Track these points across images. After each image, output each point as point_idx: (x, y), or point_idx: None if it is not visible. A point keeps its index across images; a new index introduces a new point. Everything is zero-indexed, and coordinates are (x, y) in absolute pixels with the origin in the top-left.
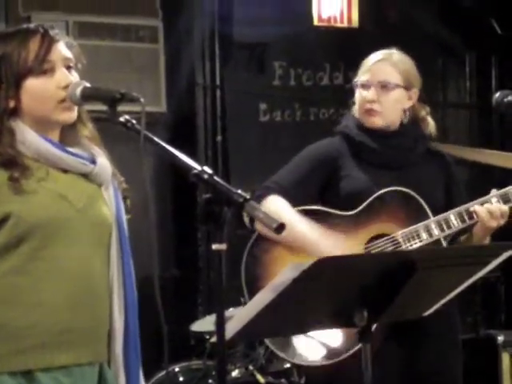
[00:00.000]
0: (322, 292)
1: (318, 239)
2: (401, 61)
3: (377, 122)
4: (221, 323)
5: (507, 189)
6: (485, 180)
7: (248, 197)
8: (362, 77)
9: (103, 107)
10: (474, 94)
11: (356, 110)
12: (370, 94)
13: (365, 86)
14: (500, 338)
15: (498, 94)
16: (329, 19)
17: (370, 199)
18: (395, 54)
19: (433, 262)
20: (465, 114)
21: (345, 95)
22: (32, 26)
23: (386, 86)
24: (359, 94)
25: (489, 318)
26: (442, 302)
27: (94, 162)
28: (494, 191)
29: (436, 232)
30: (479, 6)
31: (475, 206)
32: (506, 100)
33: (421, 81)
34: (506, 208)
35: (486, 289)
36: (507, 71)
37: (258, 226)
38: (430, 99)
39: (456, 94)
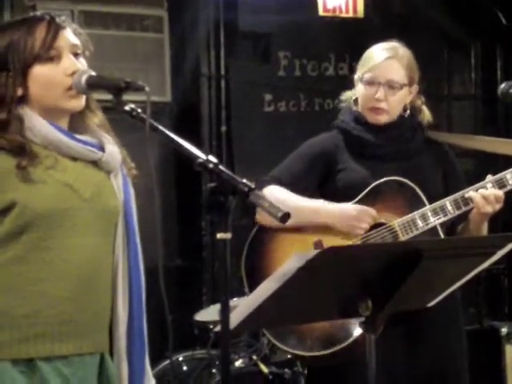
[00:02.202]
0: (326, 282)
1: (333, 209)
2: (405, 56)
3: (383, 119)
4: (225, 313)
5: (502, 174)
6: (489, 170)
7: (253, 186)
8: (368, 73)
9: (108, 96)
10: (479, 85)
11: (359, 104)
12: (379, 92)
13: (372, 84)
14: (503, 330)
15: (503, 85)
16: (334, 9)
17: (367, 189)
18: (400, 48)
19: (438, 253)
20: (470, 105)
21: (350, 86)
22: (38, 13)
23: (393, 86)
24: (365, 91)
25: (492, 309)
26: (446, 292)
27: (102, 149)
28: (489, 177)
29: (432, 219)
30: None
31: (470, 193)
32: (511, 91)
33: (419, 73)
34: (500, 193)
35: (490, 280)
36: None
37: (260, 217)
38: (435, 91)
39: (461, 85)
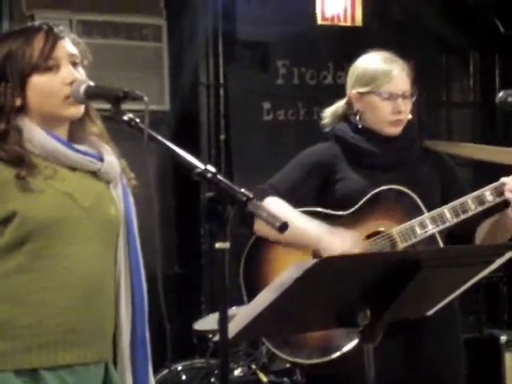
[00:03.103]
0: (324, 291)
1: (321, 233)
2: (406, 66)
3: (399, 130)
4: (224, 322)
5: (499, 182)
6: (487, 179)
7: (251, 195)
8: (385, 87)
9: (107, 105)
10: (477, 93)
11: (367, 118)
12: (401, 106)
13: (391, 98)
14: (503, 338)
15: (501, 93)
16: (332, 18)
17: (366, 198)
18: (398, 58)
19: (437, 262)
20: (468, 113)
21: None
22: (37, 23)
23: (407, 96)
24: (386, 106)
25: (492, 317)
26: (445, 301)
27: (101, 159)
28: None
29: (431, 227)
30: (482, 5)
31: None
32: (509, 99)
33: None
34: None
35: (489, 288)
36: (511, 70)
37: (258, 227)
38: (433, 98)
39: (460, 92)
